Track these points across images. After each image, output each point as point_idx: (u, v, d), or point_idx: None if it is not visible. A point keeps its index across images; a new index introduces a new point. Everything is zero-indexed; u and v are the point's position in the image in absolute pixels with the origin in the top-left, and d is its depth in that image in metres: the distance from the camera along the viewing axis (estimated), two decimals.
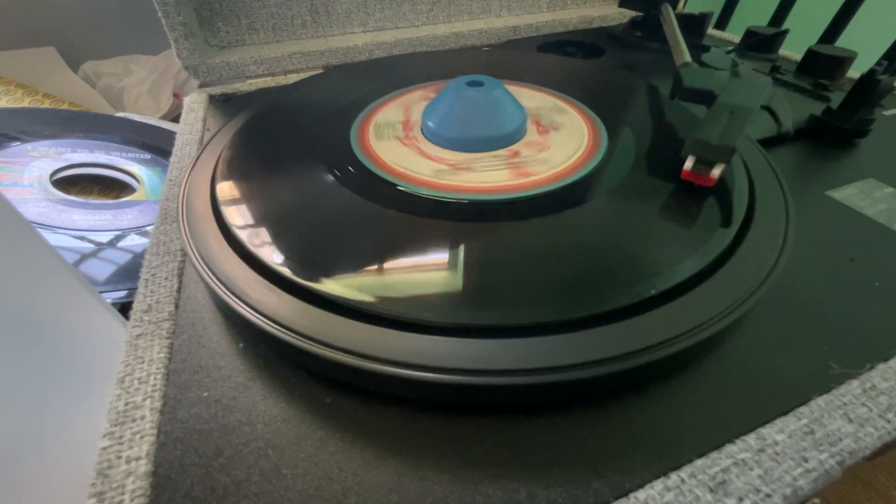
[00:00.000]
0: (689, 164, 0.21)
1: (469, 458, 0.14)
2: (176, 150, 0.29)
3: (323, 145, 0.25)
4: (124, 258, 0.51)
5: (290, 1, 0.39)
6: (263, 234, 0.19)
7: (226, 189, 0.22)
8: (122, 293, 0.47)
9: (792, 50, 0.41)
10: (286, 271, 0.17)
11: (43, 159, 0.60)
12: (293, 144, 0.25)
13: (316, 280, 0.17)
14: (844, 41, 0.46)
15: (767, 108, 0.26)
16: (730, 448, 0.14)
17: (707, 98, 0.25)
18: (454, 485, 0.13)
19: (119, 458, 0.14)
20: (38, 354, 0.30)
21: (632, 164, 0.23)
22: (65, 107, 0.75)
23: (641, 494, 0.13)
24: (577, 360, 0.14)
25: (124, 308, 0.45)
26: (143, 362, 0.17)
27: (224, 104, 0.36)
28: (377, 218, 0.20)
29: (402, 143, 0.25)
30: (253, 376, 0.16)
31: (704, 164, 0.20)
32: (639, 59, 0.41)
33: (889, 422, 0.15)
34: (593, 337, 0.15)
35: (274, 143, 0.26)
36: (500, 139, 0.24)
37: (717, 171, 0.20)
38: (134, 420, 0.15)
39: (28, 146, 0.60)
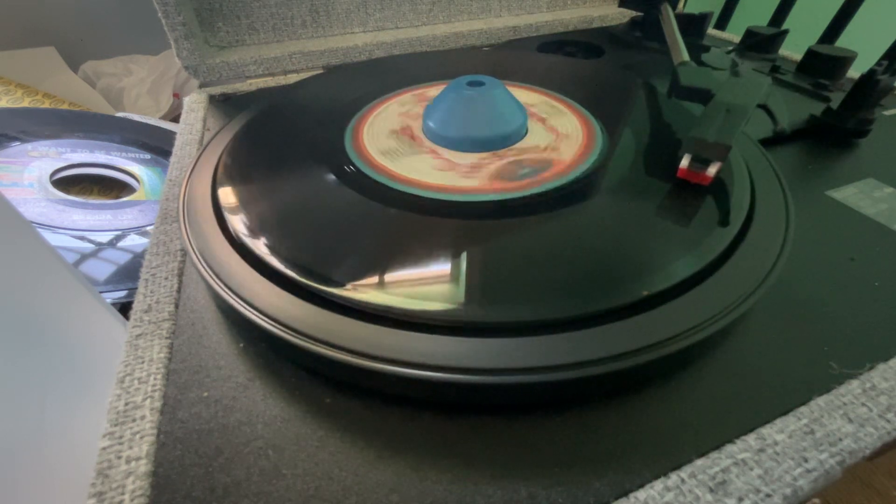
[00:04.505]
0: (684, 162, 0.21)
1: (469, 458, 0.14)
2: (176, 150, 0.29)
3: (321, 145, 0.25)
4: (124, 258, 0.51)
5: (290, 1, 0.39)
6: (263, 233, 0.19)
7: (226, 189, 0.22)
8: (122, 293, 0.47)
9: (792, 50, 0.41)
10: (287, 270, 0.17)
11: (43, 159, 0.60)
12: (293, 144, 0.25)
13: (316, 279, 0.17)
14: (844, 41, 0.46)
15: (763, 107, 0.26)
16: (730, 448, 0.14)
17: (704, 97, 0.25)
18: (454, 485, 0.13)
19: (119, 458, 0.14)
20: (38, 354, 0.30)
21: (629, 164, 0.23)
22: (65, 107, 0.75)
23: (641, 494, 0.13)
24: (576, 359, 0.14)
25: (124, 308, 0.45)
26: (143, 362, 0.17)
27: (224, 104, 0.36)
28: (376, 217, 0.20)
29: (399, 143, 0.25)
30: (253, 376, 0.16)
31: (700, 162, 0.20)
32: (639, 59, 0.41)
33: (889, 422, 0.15)
34: (593, 336, 0.15)
35: (274, 143, 0.26)
36: (500, 139, 0.24)
37: (712, 170, 0.20)
38: (134, 420, 0.15)
39: (28, 146, 0.60)
